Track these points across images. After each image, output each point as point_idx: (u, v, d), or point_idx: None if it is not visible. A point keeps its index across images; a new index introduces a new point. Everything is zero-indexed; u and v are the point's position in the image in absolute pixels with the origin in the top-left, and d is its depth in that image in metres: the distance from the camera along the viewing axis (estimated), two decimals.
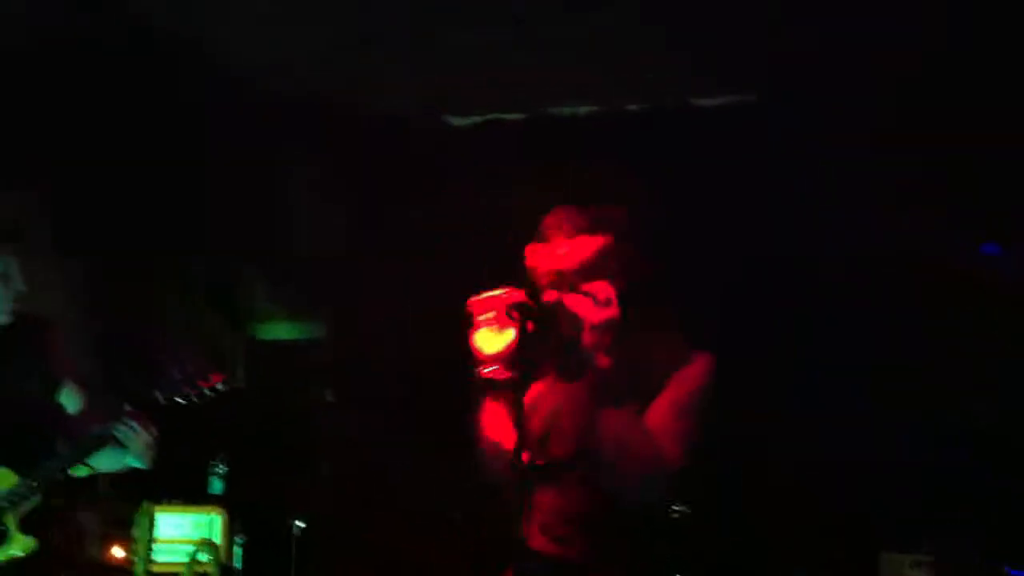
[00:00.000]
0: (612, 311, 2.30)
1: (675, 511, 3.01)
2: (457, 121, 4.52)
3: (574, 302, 2.32)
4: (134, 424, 2.80)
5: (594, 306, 2.31)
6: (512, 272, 2.47)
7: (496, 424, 2.39)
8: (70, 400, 3.04)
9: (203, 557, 3.78)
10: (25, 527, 2.84)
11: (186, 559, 3.75)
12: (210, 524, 3.88)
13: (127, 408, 2.84)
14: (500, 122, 4.45)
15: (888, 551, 3.46)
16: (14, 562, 2.84)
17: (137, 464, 2.97)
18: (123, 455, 2.89)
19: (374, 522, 4.09)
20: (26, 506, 2.85)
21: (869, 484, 3.59)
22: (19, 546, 2.83)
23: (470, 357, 2.50)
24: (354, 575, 4.18)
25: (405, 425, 4.35)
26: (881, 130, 3.84)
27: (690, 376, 2.31)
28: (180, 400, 2.86)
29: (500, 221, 4.01)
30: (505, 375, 2.35)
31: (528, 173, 4.22)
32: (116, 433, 2.80)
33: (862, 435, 3.63)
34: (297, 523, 3.55)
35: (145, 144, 4.32)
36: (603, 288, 2.32)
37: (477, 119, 4.48)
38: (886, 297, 3.81)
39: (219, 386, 2.90)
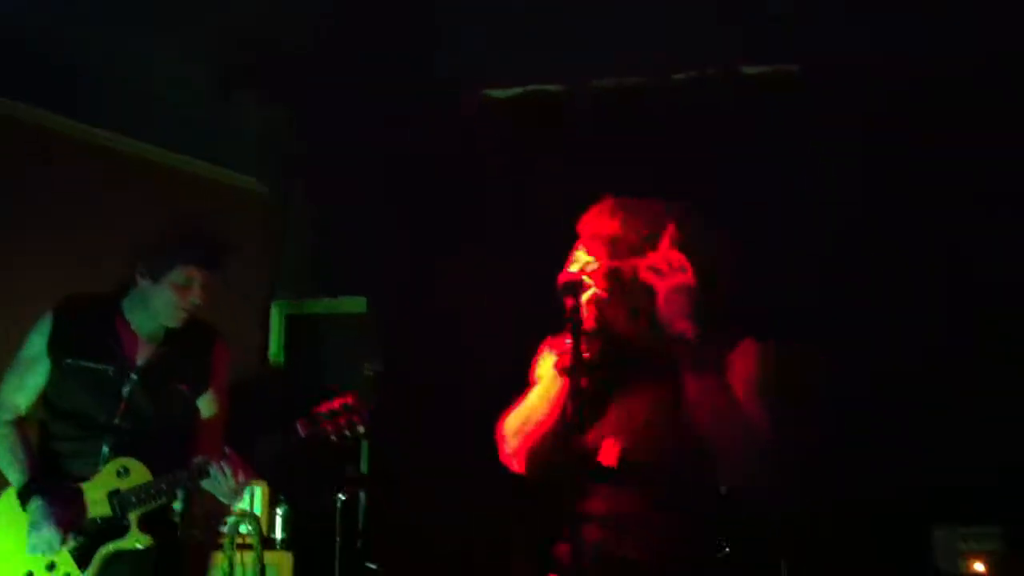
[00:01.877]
0: (687, 276, 2.14)
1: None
2: (497, 93, 4.48)
3: (645, 271, 2.18)
4: (227, 468, 2.85)
5: (669, 271, 2.16)
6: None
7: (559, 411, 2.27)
8: (206, 406, 3.09)
9: (244, 528, 3.78)
10: (144, 525, 2.89)
11: (228, 530, 3.76)
12: (251, 496, 3.88)
13: (227, 450, 2.88)
14: (541, 93, 4.40)
15: (941, 526, 3.40)
16: (130, 553, 2.89)
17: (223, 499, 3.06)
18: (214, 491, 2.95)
19: (416, 494, 4.07)
20: (151, 505, 2.89)
21: (921, 459, 3.54)
22: (135, 541, 2.88)
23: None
24: (397, 547, 4.17)
25: (449, 400, 4.34)
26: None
27: (740, 360, 2.20)
28: (318, 436, 2.91)
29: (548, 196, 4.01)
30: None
31: (572, 146, 4.19)
32: (210, 470, 2.85)
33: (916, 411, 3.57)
34: (339, 495, 3.53)
35: None
36: (673, 255, 2.17)
37: (518, 90, 4.42)
38: (935, 281, 3.75)
39: (360, 430, 2.95)
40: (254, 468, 2.94)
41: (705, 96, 4.12)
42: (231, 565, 3.68)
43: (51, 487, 2.87)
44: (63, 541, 2.84)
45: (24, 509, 2.85)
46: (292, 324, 5.26)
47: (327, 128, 4.77)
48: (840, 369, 3.67)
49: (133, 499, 2.87)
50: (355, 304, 4.98)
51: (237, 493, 2.93)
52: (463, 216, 4.49)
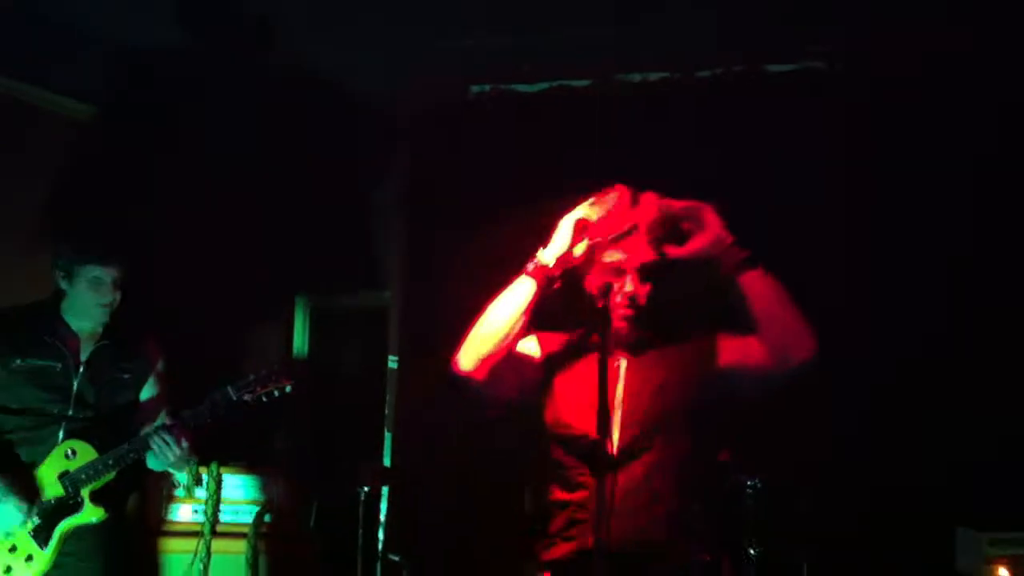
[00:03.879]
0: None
1: (750, 486, 3.00)
2: (524, 88, 4.48)
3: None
4: (167, 437, 3.07)
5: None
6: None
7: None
8: (148, 390, 3.35)
9: (268, 518, 3.82)
10: (96, 499, 3.12)
11: (251, 519, 3.80)
12: (276, 485, 3.92)
13: (165, 420, 3.13)
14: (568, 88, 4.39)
15: (964, 527, 3.37)
16: (85, 528, 3.12)
17: (170, 471, 3.36)
18: (161, 461, 3.16)
19: (438, 486, 4.10)
20: (101, 480, 3.11)
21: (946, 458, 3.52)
22: (90, 515, 3.11)
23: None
24: (419, 537, 4.19)
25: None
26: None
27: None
28: (248, 400, 3.14)
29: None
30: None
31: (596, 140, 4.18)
32: (151, 442, 3.07)
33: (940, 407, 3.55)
34: (362, 488, 3.56)
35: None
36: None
37: (544, 85, 4.42)
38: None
39: (287, 388, 3.17)
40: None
41: (729, 93, 4.10)
42: (255, 553, 3.72)
43: (4, 467, 3.08)
44: (28, 511, 3.04)
45: None
46: (316, 318, 5.29)
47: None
48: (869, 363, 3.66)
49: (83, 476, 3.10)
50: (378, 298, 4.99)
51: (181, 461, 3.15)
52: (475, 208, 4.50)
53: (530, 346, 2.59)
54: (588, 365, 2.43)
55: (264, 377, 3.14)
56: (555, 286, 2.42)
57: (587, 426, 2.34)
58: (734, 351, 2.43)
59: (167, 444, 3.05)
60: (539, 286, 2.42)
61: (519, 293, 2.43)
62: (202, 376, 4.29)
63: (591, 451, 2.33)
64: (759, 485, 3.14)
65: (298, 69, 4.55)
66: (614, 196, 2.44)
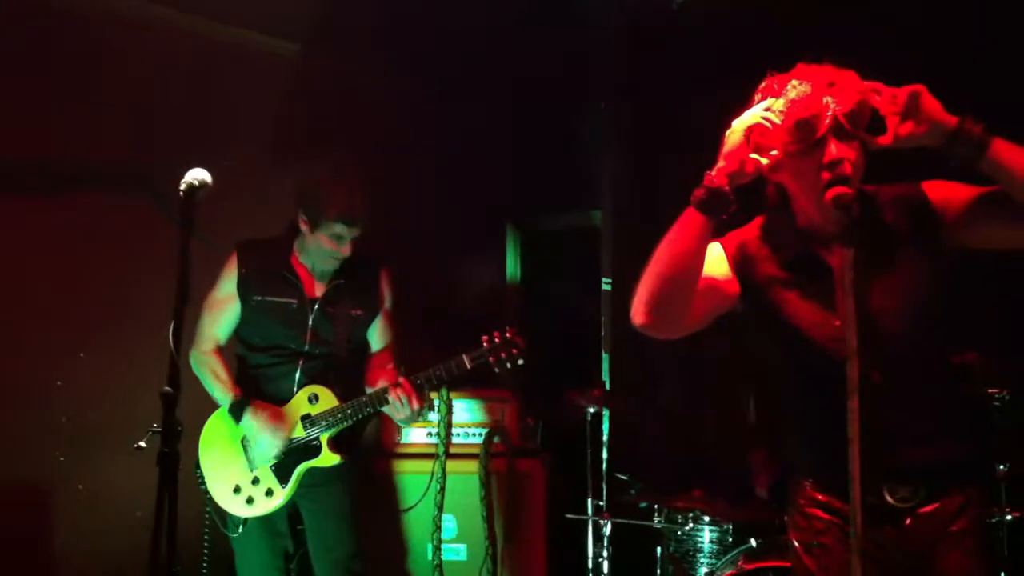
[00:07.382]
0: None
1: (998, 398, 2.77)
2: None
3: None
4: (402, 396, 3.14)
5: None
6: None
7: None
8: (379, 332, 3.40)
9: (496, 439, 3.96)
10: (333, 445, 3.24)
11: (481, 440, 3.95)
12: (502, 408, 4.04)
13: (400, 378, 3.17)
14: None
15: None
16: (320, 470, 3.24)
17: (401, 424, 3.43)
18: (393, 416, 3.23)
19: (657, 405, 4.11)
20: (339, 428, 3.24)
21: None
22: (327, 460, 3.25)
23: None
24: (642, 456, 4.23)
25: None
26: None
27: None
28: (482, 363, 3.18)
29: None
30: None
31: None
32: (389, 399, 3.15)
33: None
34: (588, 408, 3.61)
35: None
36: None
37: None
38: None
39: (519, 362, 3.19)
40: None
41: None
42: (487, 473, 3.87)
43: (259, 402, 3.22)
44: (281, 447, 3.18)
45: (238, 424, 3.20)
46: (527, 241, 5.35)
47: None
48: None
49: (323, 422, 3.21)
50: (589, 219, 4.99)
51: (412, 419, 3.22)
52: (686, 123, 4.38)
53: (715, 254, 2.19)
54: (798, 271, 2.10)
55: (498, 347, 3.17)
56: (730, 209, 1.98)
57: (827, 342, 2.04)
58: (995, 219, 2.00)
59: (401, 404, 3.14)
60: (710, 212, 2.00)
61: (686, 228, 2.01)
62: (423, 313, 4.47)
63: (836, 370, 1.90)
64: (1007, 397, 2.95)
65: None
66: (797, 86, 1.98)
